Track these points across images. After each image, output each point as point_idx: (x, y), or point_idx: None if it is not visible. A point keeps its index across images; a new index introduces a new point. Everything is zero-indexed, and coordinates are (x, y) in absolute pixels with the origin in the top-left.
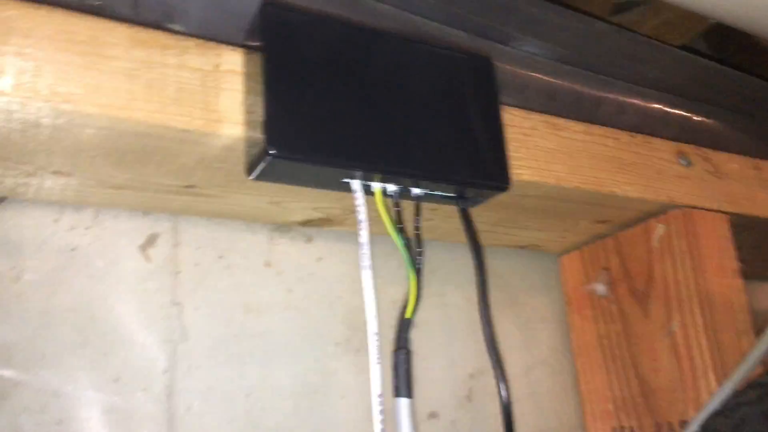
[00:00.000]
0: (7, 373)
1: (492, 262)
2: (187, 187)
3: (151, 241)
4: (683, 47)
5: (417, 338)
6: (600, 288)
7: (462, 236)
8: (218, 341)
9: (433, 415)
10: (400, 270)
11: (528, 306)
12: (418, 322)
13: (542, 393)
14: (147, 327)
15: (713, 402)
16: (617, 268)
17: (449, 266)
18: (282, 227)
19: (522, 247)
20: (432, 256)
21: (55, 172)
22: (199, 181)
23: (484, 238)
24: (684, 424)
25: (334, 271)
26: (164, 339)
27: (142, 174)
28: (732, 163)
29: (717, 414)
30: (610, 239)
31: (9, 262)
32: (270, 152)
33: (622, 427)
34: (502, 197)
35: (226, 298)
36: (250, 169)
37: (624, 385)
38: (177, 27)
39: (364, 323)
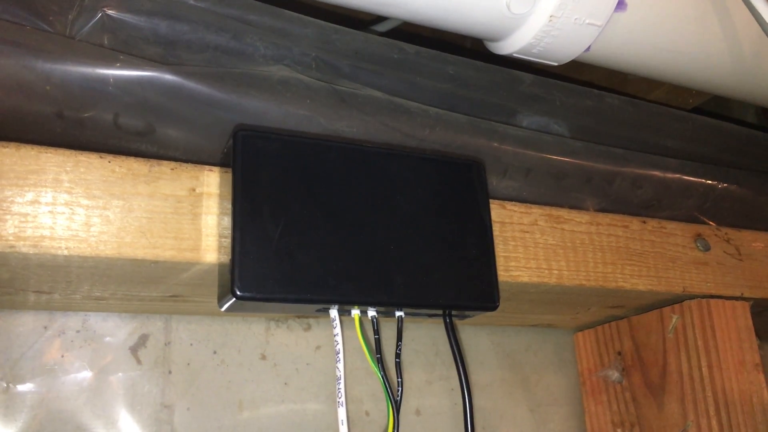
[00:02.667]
0: None
1: (501, 340)
2: (172, 296)
3: (141, 341)
4: (697, 110)
5: (419, 427)
6: (614, 375)
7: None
8: None
9: None
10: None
11: (540, 386)
12: (421, 410)
13: None
14: None
15: None
16: (631, 353)
17: None
18: (279, 318)
19: (534, 326)
20: (435, 337)
21: (35, 292)
22: (182, 292)
23: (491, 319)
24: None
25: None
26: None
27: (123, 290)
28: (757, 242)
29: None
30: (624, 322)
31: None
32: (236, 294)
33: None
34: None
35: (218, 396)
36: (220, 299)
37: None
38: (155, 146)
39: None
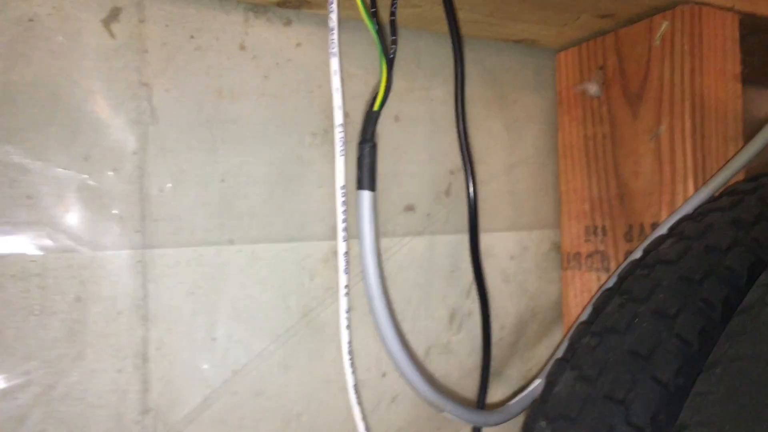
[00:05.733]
0: None
1: (483, 57)
2: None
3: (114, 15)
4: None
5: (398, 132)
6: (593, 88)
7: None
8: (190, 125)
9: (409, 208)
10: None
11: (518, 105)
12: (400, 116)
13: (522, 191)
14: (115, 107)
15: (686, 206)
16: (614, 67)
17: (436, 59)
18: (258, 8)
19: (517, 42)
20: (418, 48)
21: None
22: None
23: (476, 30)
24: (655, 225)
25: (313, 58)
26: (133, 120)
27: None
28: None
29: (687, 218)
30: (610, 36)
31: None
32: None
33: (595, 227)
34: None
35: (197, 81)
36: None
37: (603, 187)
38: None
39: (334, 132)
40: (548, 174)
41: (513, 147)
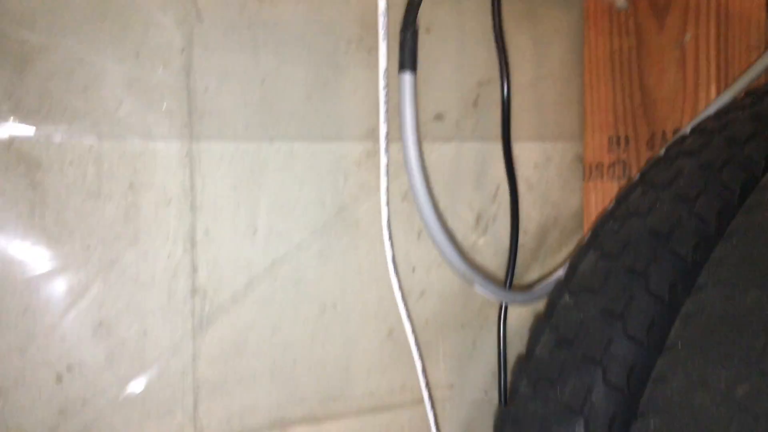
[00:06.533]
0: (32, 37)
1: None
2: None
3: None
4: None
5: (429, 42)
6: (620, 0)
7: None
8: (233, 26)
9: (438, 117)
10: None
11: (546, 19)
12: (431, 27)
13: (547, 104)
14: (162, 5)
15: (709, 108)
16: None
17: None
18: None
19: None
20: None
21: None
22: None
23: None
24: (677, 131)
25: None
26: (179, 19)
27: None
28: None
29: (709, 117)
30: None
31: None
32: None
33: (619, 137)
34: None
35: None
36: None
37: (627, 97)
38: None
39: (378, 19)
40: (573, 88)
41: (540, 61)
